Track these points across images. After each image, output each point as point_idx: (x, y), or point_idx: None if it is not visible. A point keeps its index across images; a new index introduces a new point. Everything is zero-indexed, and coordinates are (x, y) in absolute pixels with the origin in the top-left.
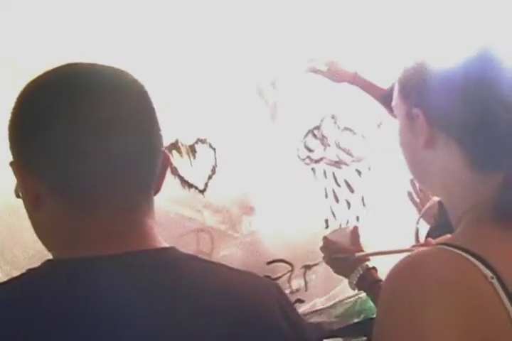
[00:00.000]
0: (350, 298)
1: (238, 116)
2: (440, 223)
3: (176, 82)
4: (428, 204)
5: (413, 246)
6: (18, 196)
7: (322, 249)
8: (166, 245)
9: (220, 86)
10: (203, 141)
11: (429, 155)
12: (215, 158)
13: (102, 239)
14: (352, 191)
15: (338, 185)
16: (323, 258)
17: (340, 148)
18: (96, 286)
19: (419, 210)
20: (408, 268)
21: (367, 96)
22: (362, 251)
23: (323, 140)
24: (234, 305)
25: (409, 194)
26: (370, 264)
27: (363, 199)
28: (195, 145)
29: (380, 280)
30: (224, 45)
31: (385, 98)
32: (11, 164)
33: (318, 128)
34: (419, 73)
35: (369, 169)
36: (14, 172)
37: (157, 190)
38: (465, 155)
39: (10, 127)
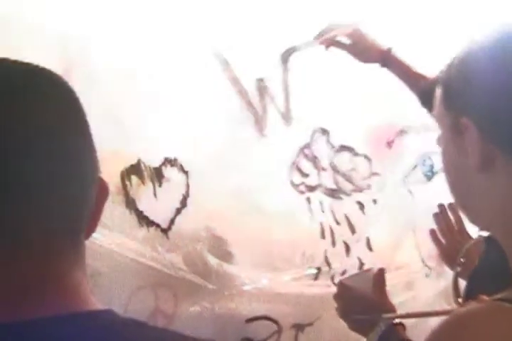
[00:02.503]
0: None
1: (218, 129)
2: (483, 270)
3: (140, 86)
4: (472, 242)
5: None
6: None
7: (336, 297)
8: (100, 307)
9: (194, 89)
10: (172, 163)
11: (483, 180)
12: (187, 185)
13: (11, 300)
14: (353, 231)
15: (338, 223)
16: (336, 309)
17: (338, 172)
18: None
19: (443, 253)
20: (454, 331)
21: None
22: (387, 302)
23: (315, 161)
24: None
25: (432, 232)
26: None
27: (368, 241)
28: (162, 168)
29: None
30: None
31: (424, 91)
32: None
33: (308, 146)
34: (467, 70)
35: (374, 202)
36: None
37: (90, 232)
38: None
39: None
